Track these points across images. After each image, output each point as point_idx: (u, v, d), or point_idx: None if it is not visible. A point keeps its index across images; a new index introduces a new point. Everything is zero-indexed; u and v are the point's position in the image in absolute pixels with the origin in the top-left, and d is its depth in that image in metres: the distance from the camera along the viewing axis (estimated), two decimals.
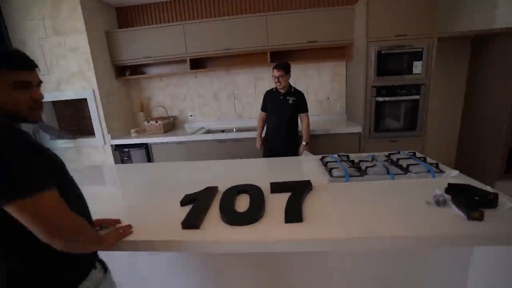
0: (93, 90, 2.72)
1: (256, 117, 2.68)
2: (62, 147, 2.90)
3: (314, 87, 3.12)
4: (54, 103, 2.99)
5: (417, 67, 2.35)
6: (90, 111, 2.78)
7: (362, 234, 0.86)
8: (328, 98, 3.14)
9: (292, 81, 3.04)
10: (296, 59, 2.91)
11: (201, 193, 1.20)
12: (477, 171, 2.70)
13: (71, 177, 0.82)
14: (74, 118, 3.13)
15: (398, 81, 2.42)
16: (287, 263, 1.23)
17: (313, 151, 2.34)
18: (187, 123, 3.35)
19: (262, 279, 1.26)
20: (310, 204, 1.07)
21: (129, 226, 0.98)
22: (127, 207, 1.20)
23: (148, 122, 2.99)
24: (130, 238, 0.93)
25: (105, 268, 0.88)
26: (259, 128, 2.50)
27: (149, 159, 2.90)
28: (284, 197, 1.13)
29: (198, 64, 3.03)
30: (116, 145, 2.90)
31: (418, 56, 2.33)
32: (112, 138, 2.88)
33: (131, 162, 2.89)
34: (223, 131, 3.11)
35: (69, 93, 2.77)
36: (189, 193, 1.21)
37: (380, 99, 2.47)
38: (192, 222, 0.96)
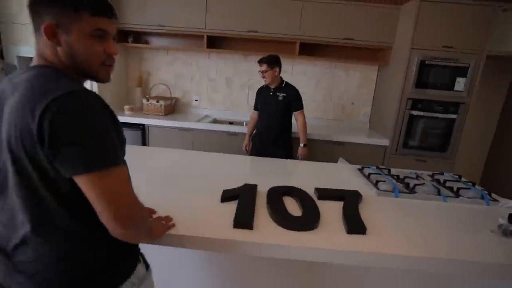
0: None
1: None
2: None
3: (339, 89, 3.20)
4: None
5: (460, 83, 2.48)
6: None
7: (433, 254, 0.92)
8: (353, 103, 3.23)
9: (314, 80, 3.14)
10: (327, 55, 2.97)
11: (242, 191, 1.22)
12: None
13: None
14: None
15: (437, 96, 2.54)
16: (319, 274, 1.28)
17: (329, 159, 2.42)
18: (191, 107, 3.33)
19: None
20: (364, 216, 1.12)
21: (170, 218, 0.99)
22: (153, 197, 1.20)
23: (148, 100, 2.95)
24: (174, 232, 0.94)
25: (146, 264, 0.88)
26: (249, 128, 2.57)
27: (144, 142, 2.86)
28: (333, 205, 1.19)
29: (214, 42, 3.02)
30: None
31: (462, 72, 2.47)
32: None
33: None
34: (231, 123, 3.12)
35: None
36: (224, 188, 1.23)
37: (415, 113, 2.59)
38: (245, 221, 0.99)
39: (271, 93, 2.38)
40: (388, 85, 2.86)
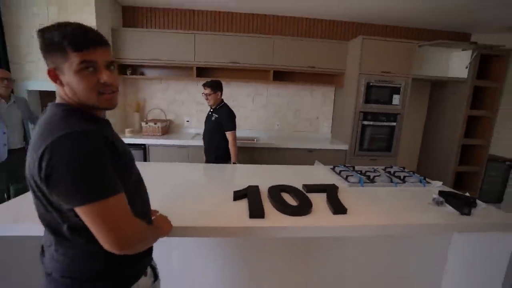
0: None
1: (251, 128, 3.33)
2: None
3: (306, 107, 3.49)
4: (41, 93, 2.83)
5: (396, 99, 2.87)
6: None
7: (394, 222, 1.15)
8: (318, 117, 3.54)
9: (286, 100, 3.40)
10: (295, 80, 3.26)
11: (249, 190, 1.37)
12: None
13: (136, 169, 0.80)
14: None
15: (380, 109, 2.91)
16: (308, 248, 1.46)
17: (305, 163, 2.65)
18: (183, 127, 3.41)
19: (287, 262, 1.46)
20: (343, 201, 1.32)
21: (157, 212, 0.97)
22: (176, 203, 1.30)
23: (146, 123, 2.99)
24: (197, 224, 1.05)
25: (155, 275, 0.86)
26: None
27: (145, 159, 2.89)
28: (319, 195, 1.38)
29: (202, 72, 3.17)
30: None
31: (397, 90, 2.86)
32: None
33: None
34: None
35: None
36: (230, 190, 1.37)
37: (366, 123, 2.92)
38: (258, 212, 1.14)
39: (209, 113, 2.40)
40: (344, 102, 3.19)
